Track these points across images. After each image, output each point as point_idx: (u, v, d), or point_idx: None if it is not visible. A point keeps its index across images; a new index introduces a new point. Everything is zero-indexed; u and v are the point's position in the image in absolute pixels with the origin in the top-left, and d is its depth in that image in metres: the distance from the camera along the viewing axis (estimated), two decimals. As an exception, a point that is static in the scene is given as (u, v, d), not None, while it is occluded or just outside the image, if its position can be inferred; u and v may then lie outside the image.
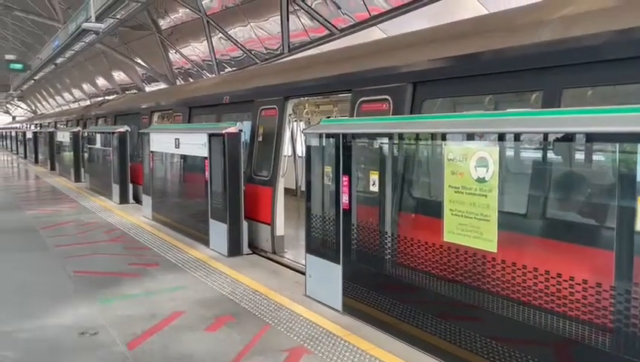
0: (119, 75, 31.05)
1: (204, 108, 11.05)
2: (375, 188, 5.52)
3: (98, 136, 14.89)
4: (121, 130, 13.05)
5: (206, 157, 8.25)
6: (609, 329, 3.20)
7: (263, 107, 8.21)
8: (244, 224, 7.82)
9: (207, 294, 6.08)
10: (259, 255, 7.96)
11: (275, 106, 7.94)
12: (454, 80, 5.28)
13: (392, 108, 5.89)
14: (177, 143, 9.35)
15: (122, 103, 18.46)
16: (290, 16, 13.75)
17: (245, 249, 7.89)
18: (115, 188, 13.28)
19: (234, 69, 18.38)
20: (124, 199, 13.10)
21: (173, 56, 22.81)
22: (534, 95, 4.53)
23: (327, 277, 5.58)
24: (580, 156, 3.91)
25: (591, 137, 3.51)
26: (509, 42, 4.76)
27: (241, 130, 7.74)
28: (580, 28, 4.07)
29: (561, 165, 4.02)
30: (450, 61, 5.35)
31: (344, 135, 5.33)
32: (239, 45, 17.10)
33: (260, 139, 8.43)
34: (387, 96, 5.99)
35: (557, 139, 3.64)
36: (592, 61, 3.90)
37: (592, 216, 3.75)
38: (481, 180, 3.94)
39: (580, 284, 3.36)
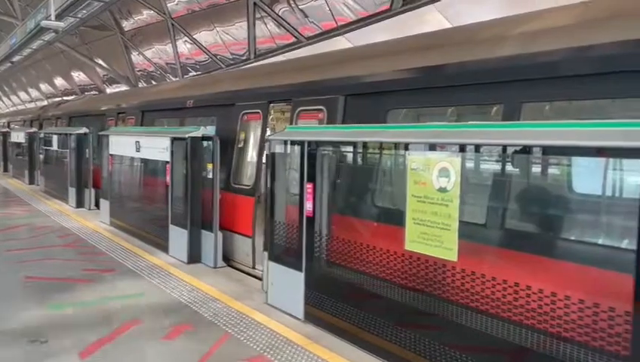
0: (79, 76, 30.23)
1: (167, 112, 10.87)
2: (338, 196, 5.55)
3: (55, 137, 14.41)
4: (80, 131, 12.67)
5: (168, 162, 8.09)
6: (563, 338, 3.28)
7: (246, 111, 7.96)
8: (220, 235, 7.44)
9: (165, 302, 5.93)
10: (237, 269, 7.49)
11: (259, 111, 7.69)
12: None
13: (326, 117, 6.17)
14: (138, 147, 9.14)
15: (82, 104, 17.97)
16: (256, 22, 13.71)
17: (219, 261, 7.47)
18: (72, 192, 12.86)
19: (198, 73, 18.17)
20: (80, 203, 12.69)
21: (136, 58, 22.38)
22: (490, 108, 4.70)
23: (290, 285, 5.53)
24: (537, 168, 4.03)
25: (547, 150, 3.63)
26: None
27: (216, 136, 7.51)
28: (538, 44, 4.20)
29: (518, 177, 4.13)
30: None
31: (309, 142, 5.32)
32: (204, 49, 16.92)
33: (241, 145, 8.16)
34: (322, 107, 6.26)
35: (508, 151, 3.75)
36: (550, 77, 4.02)
37: (547, 227, 3.85)
38: (442, 190, 4.00)
39: (536, 294, 3.44)
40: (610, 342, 3.06)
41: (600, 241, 3.60)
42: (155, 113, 11.23)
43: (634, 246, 2.91)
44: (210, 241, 7.46)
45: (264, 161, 6.72)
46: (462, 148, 3.98)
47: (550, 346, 3.35)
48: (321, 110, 6.34)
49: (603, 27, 3.86)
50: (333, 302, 5.05)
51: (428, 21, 9.12)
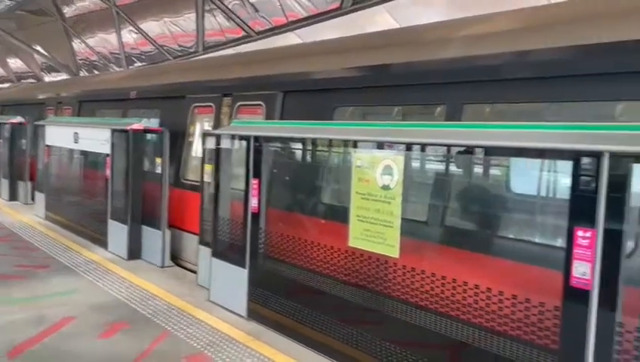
0: (15, 63, 28.69)
1: (108, 103, 10.48)
2: (284, 193, 5.52)
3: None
4: (14, 120, 12.03)
5: (108, 154, 7.80)
6: (497, 332, 3.39)
7: (197, 104, 7.72)
8: (168, 233, 7.18)
9: (102, 299, 5.72)
10: (186, 269, 7.18)
11: (211, 104, 7.47)
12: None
13: (265, 113, 6.18)
14: (76, 138, 8.77)
15: (18, 92, 17.07)
16: (205, 14, 13.42)
17: (167, 260, 7.18)
18: (4, 184, 12.19)
19: (144, 63, 17.64)
20: (13, 196, 12.05)
21: (77, 46, 21.46)
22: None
23: (233, 282, 5.46)
24: (478, 168, 4.16)
25: (488, 151, 3.74)
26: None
27: (165, 129, 7.23)
28: (479, 48, 4.32)
29: (461, 177, 4.24)
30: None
31: (256, 137, 5.26)
32: (151, 40, 16.43)
33: (191, 139, 7.92)
34: (261, 102, 6.27)
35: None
36: (490, 80, 4.14)
37: (485, 225, 3.98)
38: (386, 188, 4.05)
39: (472, 289, 3.54)
40: (540, 336, 3.19)
41: (533, 239, 3.75)
42: (94, 104, 10.80)
43: (564, 244, 3.04)
44: (158, 239, 7.16)
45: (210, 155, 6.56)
46: (406, 147, 4.06)
47: (485, 340, 3.46)
48: (260, 105, 6.33)
49: (542, 33, 4.01)
50: (277, 299, 5.02)
51: (377, 21, 9.21)
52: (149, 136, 7.50)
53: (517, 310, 3.31)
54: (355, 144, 4.45)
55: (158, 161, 7.24)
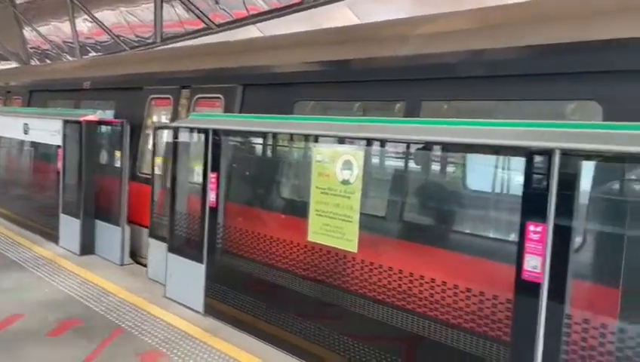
0: (-39, 49, 27.29)
1: (60, 93, 10.10)
2: (243, 187, 5.46)
3: None
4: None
5: (59, 146, 7.52)
6: (453, 325, 3.46)
7: (155, 96, 7.50)
8: (127, 229, 6.90)
9: (52, 296, 5.52)
10: (143, 265, 6.82)
11: (169, 96, 7.27)
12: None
13: (224, 106, 6.11)
14: (26, 129, 8.42)
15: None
16: (164, 5, 13.11)
17: (127, 258, 6.92)
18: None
19: (99, 53, 17.10)
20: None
21: (29, 34, 20.61)
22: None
23: (190, 278, 5.36)
24: (435, 164, 4.23)
25: (444, 147, 3.81)
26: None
27: (126, 121, 6.94)
28: (435, 45, 4.38)
29: (419, 173, 4.30)
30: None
31: (214, 131, 5.18)
32: (106, 30, 15.94)
33: (149, 131, 7.70)
34: (220, 95, 6.20)
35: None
36: (448, 77, 4.20)
37: (442, 220, 4.05)
38: (345, 182, 4.06)
39: (428, 283, 3.59)
40: (493, 328, 3.27)
41: (487, 234, 3.84)
42: (45, 94, 10.39)
43: (516, 239, 3.12)
44: (115, 235, 6.90)
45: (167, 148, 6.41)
46: (366, 143, 4.08)
47: (441, 333, 3.52)
48: (219, 98, 6.25)
49: (497, 33, 4.10)
50: (235, 295, 4.97)
51: (338, 17, 9.22)
52: (104, 128, 7.26)
53: (471, 303, 3.38)
54: (315, 139, 4.44)
55: (118, 154, 6.97)
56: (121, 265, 6.78)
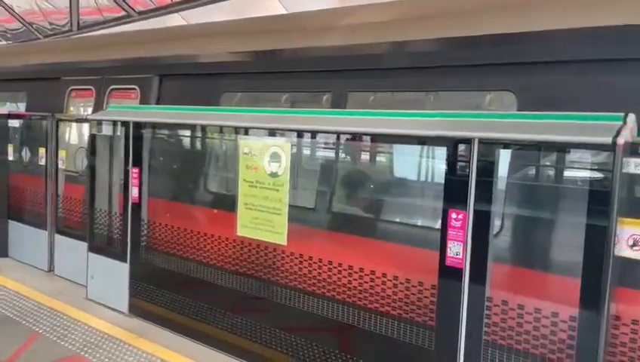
0: None
1: None
2: (167, 181, 5.28)
3: None
4: None
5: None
6: (383, 313, 3.51)
7: (75, 87, 7.02)
8: (53, 232, 6.33)
9: (-41, 303, 5.11)
10: None
11: (91, 87, 6.82)
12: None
13: (139, 97, 5.97)
14: None
15: None
16: (80, -10, 12.41)
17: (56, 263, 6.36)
18: None
19: (9, 42, 15.96)
20: None
21: None
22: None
23: (113, 278, 5.13)
24: (363, 155, 4.27)
25: (371, 138, 3.85)
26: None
27: (53, 115, 6.37)
28: (360, 37, 4.41)
29: (346, 163, 4.32)
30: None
31: (136, 123, 4.95)
32: (17, 16, 14.89)
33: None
34: (135, 86, 6.02)
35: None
36: (373, 68, 4.24)
37: (369, 210, 4.10)
38: (274, 175, 4.01)
39: (357, 273, 3.63)
40: (419, 313, 3.35)
41: (413, 222, 3.93)
42: None
43: (439, 226, 3.21)
44: (42, 240, 6.40)
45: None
46: (296, 135, 4.05)
47: (370, 321, 3.57)
48: (134, 89, 6.03)
49: (419, 25, 4.18)
50: (162, 293, 4.80)
51: (265, 7, 9.10)
52: (21, 122, 6.76)
53: (398, 290, 3.44)
54: (244, 131, 4.35)
55: (42, 151, 6.42)
56: (50, 271, 6.26)
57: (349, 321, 3.67)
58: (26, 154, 6.71)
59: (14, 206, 6.76)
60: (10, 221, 6.76)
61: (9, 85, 8.05)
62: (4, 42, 16.58)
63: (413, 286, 3.37)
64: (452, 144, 3.12)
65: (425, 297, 3.32)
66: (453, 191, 3.13)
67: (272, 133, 4.16)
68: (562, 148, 2.95)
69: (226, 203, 4.52)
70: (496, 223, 3.13)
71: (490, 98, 3.87)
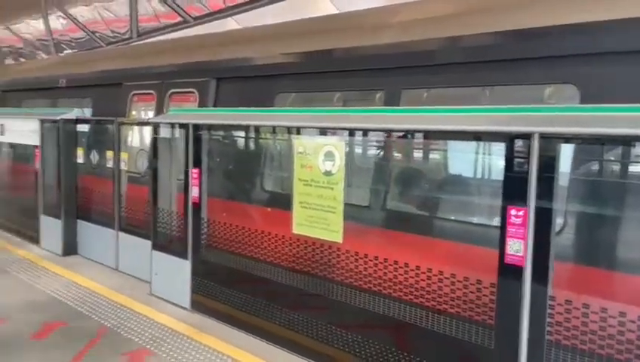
0: None
1: (36, 92, 9.91)
2: (226, 182, 5.43)
3: None
4: None
5: (37, 146, 7.39)
6: (440, 311, 3.48)
7: (137, 92, 7.35)
8: (120, 233, 6.65)
9: (36, 298, 5.44)
10: None
11: (152, 91, 7.10)
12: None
13: (198, 100, 6.09)
14: (2, 130, 8.25)
15: None
16: (139, -1, 12.91)
17: (122, 262, 6.62)
18: None
19: (74, 50, 16.80)
20: None
21: (2, 32, 20.16)
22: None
23: (175, 274, 5.33)
24: (417, 152, 4.24)
25: (425, 135, 3.82)
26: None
27: (117, 119, 6.67)
28: (415, 33, 4.37)
29: (400, 161, 4.31)
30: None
31: (195, 125, 5.13)
32: (81, 26, 15.65)
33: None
34: (194, 90, 6.18)
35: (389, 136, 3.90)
36: (426, 65, 4.20)
37: (425, 208, 4.07)
38: (328, 173, 4.05)
39: (413, 270, 3.61)
40: (478, 312, 3.30)
41: (471, 220, 3.87)
42: (21, 93, 10.19)
43: (499, 223, 3.15)
44: (110, 238, 6.67)
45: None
46: (348, 133, 4.07)
47: (428, 319, 3.55)
48: (192, 93, 6.21)
49: (475, 18, 4.10)
50: (222, 290, 4.95)
51: (317, 7, 9.16)
52: (90, 126, 7.13)
53: (456, 288, 3.41)
54: (297, 130, 4.42)
55: (110, 154, 6.71)
56: (117, 269, 6.54)
57: (407, 319, 3.66)
58: (93, 156, 7.06)
59: (82, 206, 7.15)
60: (78, 220, 7.15)
61: (76, 92, 8.50)
62: (69, 51, 17.49)
63: (471, 283, 3.33)
64: (511, 139, 3.06)
65: (484, 295, 3.27)
66: (513, 188, 3.06)
67: (325, 131, 4.21)
68: (628, 141, 2.83)
69: (282, 201, 4.60)
70: (558, 220, 3.04)
71: (550, 91, 3.76)
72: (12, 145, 8.42)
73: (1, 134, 8.34)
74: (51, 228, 7.21)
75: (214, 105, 5.88)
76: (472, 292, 3.33)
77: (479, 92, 4.16)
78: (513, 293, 3.06)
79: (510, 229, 3.05)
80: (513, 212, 3.03)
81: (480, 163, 3.79)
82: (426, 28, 4.31)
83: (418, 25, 4.41)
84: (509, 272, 3.07)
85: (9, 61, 20.80)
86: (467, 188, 4.03)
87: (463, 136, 3.51)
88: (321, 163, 4.11)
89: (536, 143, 2.94)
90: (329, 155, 4.06)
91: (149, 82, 7.05)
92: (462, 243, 3.64)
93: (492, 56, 3.79)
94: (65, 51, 17.61)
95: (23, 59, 19.89)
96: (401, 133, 3.95)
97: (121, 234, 6.52)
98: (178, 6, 11.82)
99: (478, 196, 3.96)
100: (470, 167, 3.90)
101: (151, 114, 6.95)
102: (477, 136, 3.49)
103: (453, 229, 3.88)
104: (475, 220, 3.89)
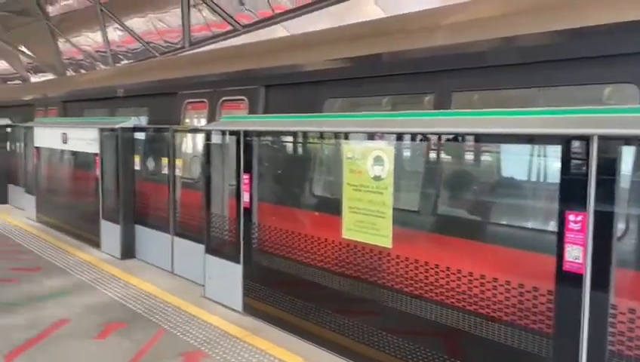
0: (0, 64, 28.31)
1: (94, 102, 10.38)
2: (276, 187, 5.51)
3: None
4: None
5: (97, 154, 7.74)
6: (494, 318, 3.40)
7: (190, 100, 7.61)
8: (175, 238, 6.80)
9: (96, 299, 5.69)
10: None
11: (205, 100, 7.33)
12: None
13: (248, 107, 6.20)
14: (65, 138, 8.69)
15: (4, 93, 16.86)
16: (191, 9, 13.31)
17: (177, 266, 6.81)
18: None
19: (130, 61, 17.47)
20: (3, 199, 11.97)
21: (63, 45, 21.21)
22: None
23: (228, 278, 5.45)
24: (468, 156, 4.16)
25: (477, 138, 3.75)
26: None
27: (172, 128, 6.89)
28: (466, 35, 4.30)
29: (452, 164, 4.24)
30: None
31: (246, 132, 5.24)
32: (136, 37, 16.27)
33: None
34: (244, 97, 6.28)
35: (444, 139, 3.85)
36: (477, 67, 4.13)
37: (478, 213, 3.98)
38: (377, 178, 4.04)
39: (466, 277, 3.55)
40: (534, 320, 3.21)
41: (526, 225, 3.76)
42: (82, 103, 10.69)
43: (556, 229, 3.05)
44: (166, 243, 6.87)
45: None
46: (397, 137, 4.05)
47: (481, 327, 3.47)
48: (242, 100, 6.33)
49: (527, 18, 4.00)
50: (273, 294, 5.02)
51: (364, 11, 9.16)
52: (145, 134, 7.41)
53: (511, 296, 3.32)
54: (345, 136, 4.44)
55: (165, 161, 6.93)
56: (172, 272, 6.72)
57: (459, 326, 3.60)
58: (150, 163, 7.33)
59: (139, 211, 7.43)
60: (136, 225, 7.43)
61: (133, 101, 8.85)
62: (126, 61, 18.21)
63: (527, 291, 3.24)
64: (568, 142, 2.96)
65: (541, 303, 3.17)
66: (570, 192, 2.96)
67: (373, 136, 4.20)
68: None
69: (332, 206, 4.63)
70: (619, 226, 2.92)
71: (609, 91, 3.61)
72: (74, 153, 8.84)
73: (64, 143, 8.77)
74: (111, 232, 7.53)
75: (264, 112, 5.98)
76: (528, 299, 3.24)
77: (533, 93, 4.04)
78: (572, 301, 2.95)
79: (569, 235, 2.95)
80: (572, 217, 2.93)
81: (536, 166, 3.68)
82: (477, 29, 4.23)
83: (469, 26, 4.34)
84: (568, 279, 2.97)
85: (70, 73, 21.87)
86: (522, 192, 3.92)
87: (517, 139, 3.42)
88: (370, 168, 4.10)
89: (595, 146, 2.83)
90: (378, 160, 4.05)
91: (201, 91, 7.25)
92: (516, 249, 3.54)
93: (546, 56, 3.68)
94: (122, 62, 18.35)
95: (83, 71, 20.87)
96: (452, 137, 3.88)
97: (176, 239, 6.72)
98: (228, 14, 12.12)
99: (533, 200, 3.84)
100: (523, 171, 3.79)
101: (203, 121, 7.14)
102: (533, 139, 3.39)
103: (506, 235, 3.78)
104: (530, 225, 3.77)
